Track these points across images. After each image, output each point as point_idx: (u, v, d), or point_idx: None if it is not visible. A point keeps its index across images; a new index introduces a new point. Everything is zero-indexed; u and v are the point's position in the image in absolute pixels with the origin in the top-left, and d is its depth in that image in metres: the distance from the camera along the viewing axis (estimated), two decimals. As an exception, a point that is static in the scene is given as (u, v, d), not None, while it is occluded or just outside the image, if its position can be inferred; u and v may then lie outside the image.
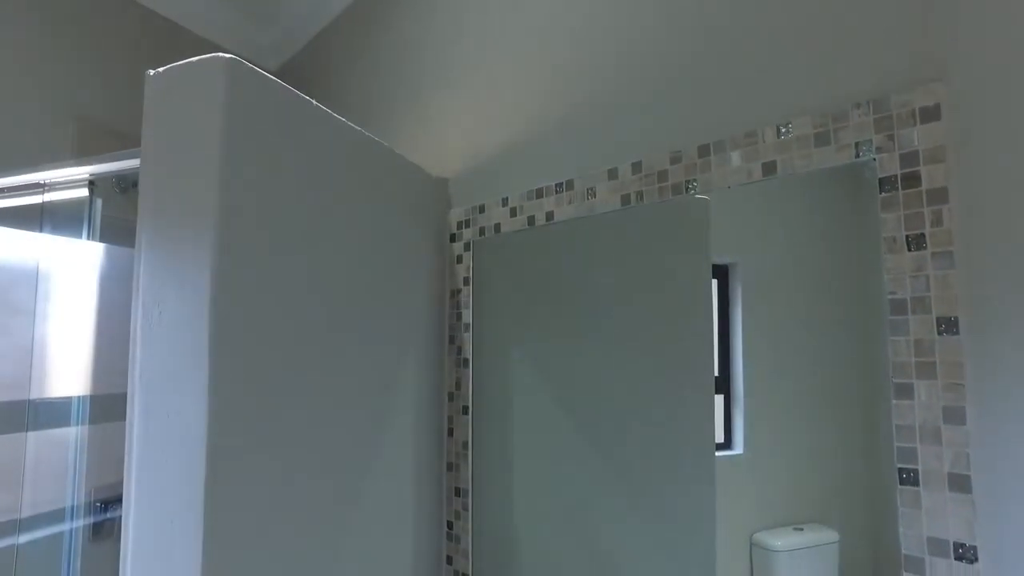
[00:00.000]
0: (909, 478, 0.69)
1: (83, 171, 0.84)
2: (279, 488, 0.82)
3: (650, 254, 0.98)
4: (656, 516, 0.96)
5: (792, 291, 0.87)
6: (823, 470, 0.83)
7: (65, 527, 1.19)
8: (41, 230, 1.17)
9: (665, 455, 0.95)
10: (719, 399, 0.91)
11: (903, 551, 0.69)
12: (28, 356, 1.30)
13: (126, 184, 0.81)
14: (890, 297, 0.71)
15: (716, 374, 0.91)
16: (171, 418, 0.74)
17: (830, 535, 0.80)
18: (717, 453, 0.90)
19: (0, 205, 0.91)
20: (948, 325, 0.67)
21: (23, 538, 1.25)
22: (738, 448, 0.90)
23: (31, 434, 1.31)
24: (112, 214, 0.91)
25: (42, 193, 0.89)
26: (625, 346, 0.98)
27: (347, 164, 0.98)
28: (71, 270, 1.29)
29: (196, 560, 0.71)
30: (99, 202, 0.89)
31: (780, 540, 0.85)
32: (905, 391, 0.69)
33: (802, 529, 0.84)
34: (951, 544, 0.66)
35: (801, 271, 0.85)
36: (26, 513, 1.27)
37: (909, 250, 0.69)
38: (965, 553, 0.65)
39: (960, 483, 0.65)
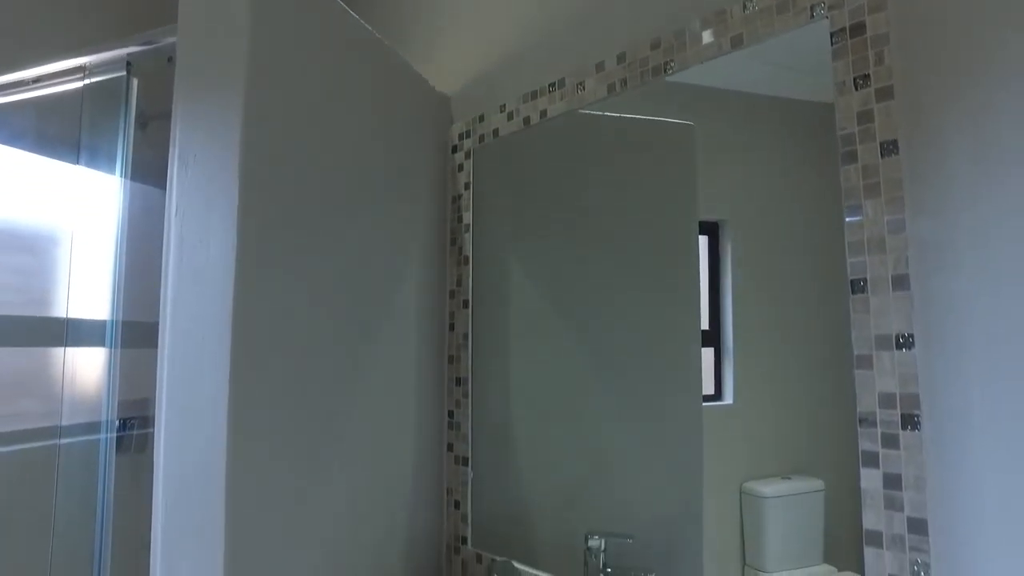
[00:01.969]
0: (859, 287, 0.78)
1: (121, 53, 0.94)
2: (292, 373, 0.90)
3: (638, 175, 1.07)
4: (644, 414, 1.04)
5: (780, 247, 0.92)
6: (810, 422, 0.87)
7: (100, 436, 1.27)
8: (79, 155, 1.28)
9: (652, 347, 1.04)
10: (709, 352, 0.97)
11: (854, 352, 0.78)
12: (66, 277, 1.41)
13: (162, 60, 0.91)
14: (841, 133, 0.80)
15: (706, 327, 0.97)
16: (203, 246, 0.83)
17: (817, 484, 0.85)
18: (707, 404, 0.96)
19: (44, 92, 1.00)
20: (890, 148, 0.76)
21: (63, 441, 1.35)
22: (728, 399, 0.96)
23: (68, 350, 1.42)
24: (146, 100, 1.01)
25: (83, 79, 0.99)
26: (615, 256, 1.07)
27: (359, 59, 1.08)
28: (106, 204, 1.41)
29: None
30: (135, 83, 0.98)
31: (769, 488, 0.90)
32: (855, 210, 0.78)
33: (790, 479, 0.89)
34: (893, 337, 0.74)
35: (788, 227, 0.91)
36: (65, 422, 1.37)
37: (856, 89, 0.79)
38: (905, 342, 0.74)
39: (901, 282, 0.74)
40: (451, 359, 1.28)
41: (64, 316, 1.41)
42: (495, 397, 1.22)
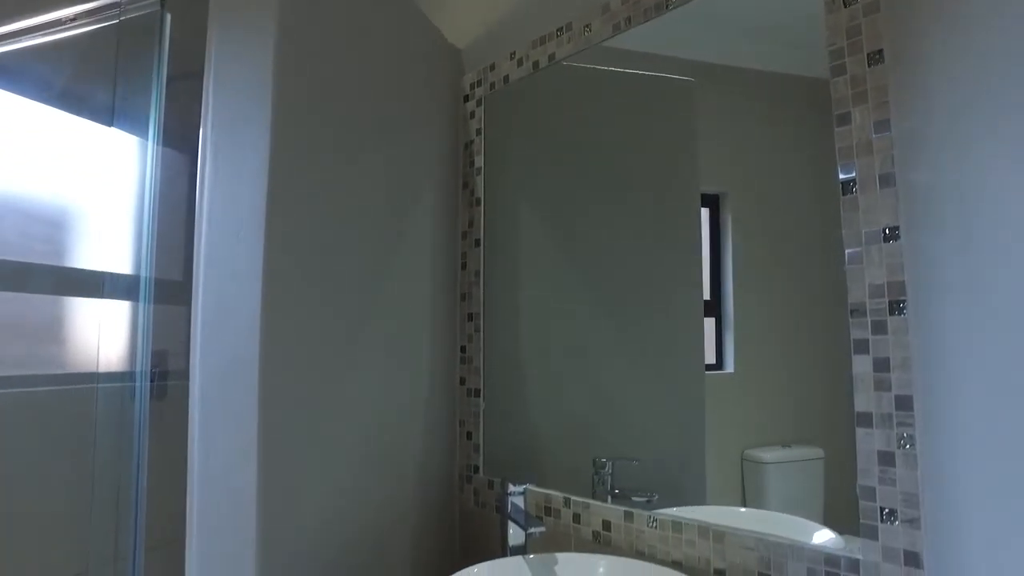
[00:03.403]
0: (849, 189, 0.83)
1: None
2: (317, 307, 0.96)
3: (642, 126, 1.12)
4: (648, 353, 1.09)
5: (778, 219, 0.95)
6: (810, 391, 0.89)
7: (136, 384, 1.32)
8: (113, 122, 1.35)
9: (659, 296, 1.09)
10: (711, 322, 1.00)
11: (845, 249, 0.83)
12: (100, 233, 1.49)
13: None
14: (830, 48, 0.86)
15: (707, 298, 1.01)
16: (237, 175, 0.89)
17: (816, 452, 0.88)
18: (709, 373, 1.00)
19: (77, 32, 1.06)
20: (876, 57, 0.82)
21: (100, 386, 1.43)
22: (729, 368, 1.00)
23: (105, 301, 1.50)
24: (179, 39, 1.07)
25: (119, 16, 1.05)
26: (620, 203, 1.13)
27: (377, 9, 1.14)
28: (137, 165, 1.48)
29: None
30: (168, 17, 1.05)
31: (769, 454, 0.93)
32: (844, 119, 0.84)
33: (790, 447, 0.91)
34: (882, 230, 0.80)
35: (786, 200, 0.94)
36: (102, 368, 1.45)
37: (845, 7, 0.85)
38: (891, 235, 0.79)
39: (887, 180, 0.80)
40: (463, 296, 1.34)
41: (101, 270, 1.49)
42: (505, 333, 1.28)
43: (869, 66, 0.82)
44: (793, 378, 0.92)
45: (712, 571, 0.92)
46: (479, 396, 1.29)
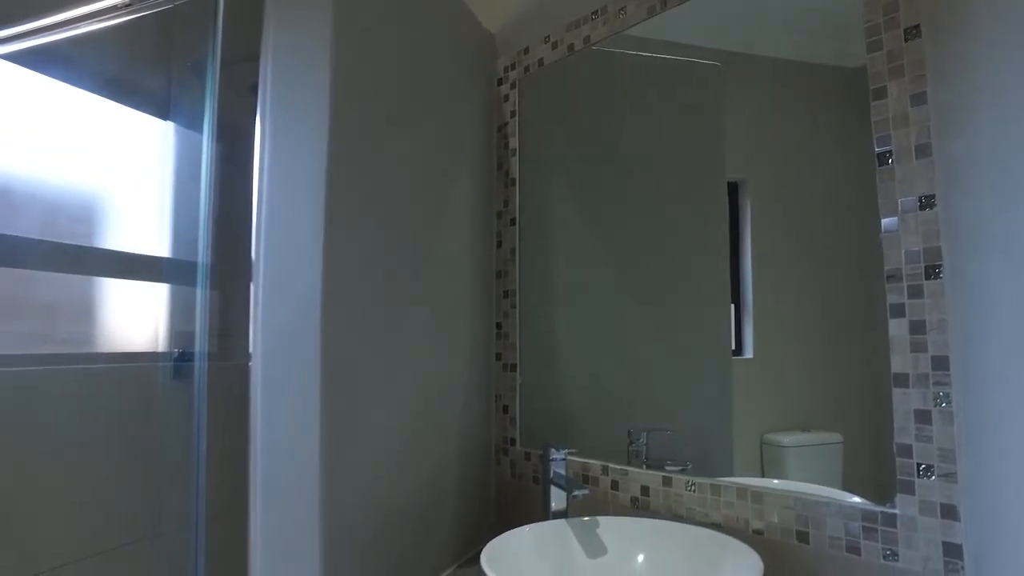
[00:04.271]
0: (885, 160, 0.87)
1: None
2: (369, 289, 0.99)
3: (670, 109, 1.15)
4: (676, 334, 1.12)
5: (798, 205, 0.97)
6: (828, 377, 0.91)
7: (195, 364, 1.38)
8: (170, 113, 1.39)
9: (685, 279, 1.13)
10: (730, 309, 1.03)
11: (882, 219, 0.87)
12: (166, 219, 1.57)
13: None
14: (867, 25, 0.89)
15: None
16: (296, 152, 0.93)
17: (835, 437, 0.90)
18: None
19: (130, 18, 1.11)
20: (913, 32, 0.85)
21: (160, 364, 1.50)
22: (748, 354, 1.02)
23: (164, 286, 1.58)
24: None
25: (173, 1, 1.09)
26: (647, 184, 1.17)
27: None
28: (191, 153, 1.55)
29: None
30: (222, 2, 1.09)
31: (788, 438, 0.96)
32: (880, 93, 0.87)
33: (808, 431, 0.94)
34: (918, 199, 0.83)
35: (805, 188, 0.96)
36: (161, 348, 1.52)
37: (881, -16, 0.88)
38: (927, 203, 0.83)
39: (923, 150, 0.83)
40: (499, 274, 1.38)
41: (162, 255, 1.57)
42: (539, 310, 1.32)
43: (906, 41, 0.85)
44: (812, 365, 0.94)
45: (751, 531, 0.96)
46: (515, 371, 1.34)
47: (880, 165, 0.87)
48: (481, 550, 0.87)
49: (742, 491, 0.98)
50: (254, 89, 1.61)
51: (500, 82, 1.42)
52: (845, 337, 0.90)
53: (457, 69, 1.30)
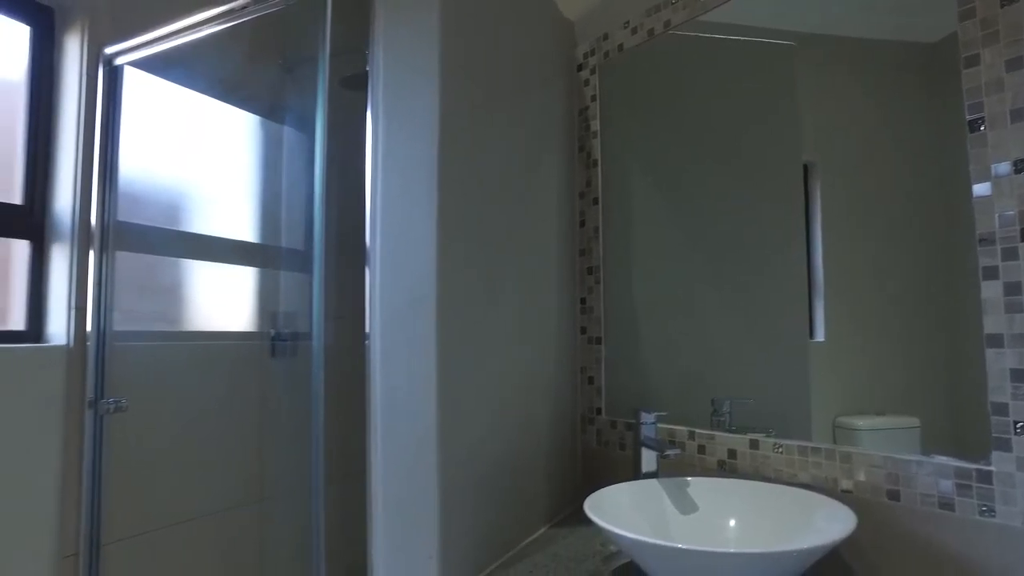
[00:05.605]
0: (976, 127, 0.88)
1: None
2: (474, 266, 1.07)
3: (745, 90, 1.18)
4: (751, 314, 1.15)
5: (870, 184, 0.97)
6: (904, 360, 0.91)
7: (313, 342, 1.48)
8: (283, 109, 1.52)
9: (761, 260, 1.15)
10: None
11: (973, 185, 0.88)
12: (280, 210, 1.73)
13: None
14: (958, -7, 0.91)
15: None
16: (409, 141, 1.02)
17: (912, 421, 0.91)
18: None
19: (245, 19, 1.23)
20: (1007, -1, 0.86)
21: (278, 344, 1.67)
22: (820, 337, 1.04)
23: (281, 272, 1.74)
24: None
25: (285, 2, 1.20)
26: (723, 166, 1.21)
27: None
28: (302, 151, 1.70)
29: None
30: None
31: (862, 421, 0.96)
32: (972, 61, 0.89)
33: (883, 415, 0.94)
34: (1011, 162, 0.85)
35: (878, 168, 0.96)
36: (261, 328, 1.68)
37: (973, -48, 0.89)
38: (1021, 167, 0.84)
39: (1018, 114, 0.85)
40: (583, 251, 1.45)
41: (280, 245, 1.74)
42: (622, 285, 1.38)
43: (1001, 7, 0.87)
44: (886, 348, 0.95)
45: (840, 491, 1.00)
46: (600, 344, 1.40)
47: (972, 132, 0.89)
48: (570, 513, 0.94)
49: (830, 452, 1.01)
50: (345, 83, 1.72)
51: (580, 68, 1.48)
52: (924, 313, 0.92)
53: (541, 57, 1.37)
